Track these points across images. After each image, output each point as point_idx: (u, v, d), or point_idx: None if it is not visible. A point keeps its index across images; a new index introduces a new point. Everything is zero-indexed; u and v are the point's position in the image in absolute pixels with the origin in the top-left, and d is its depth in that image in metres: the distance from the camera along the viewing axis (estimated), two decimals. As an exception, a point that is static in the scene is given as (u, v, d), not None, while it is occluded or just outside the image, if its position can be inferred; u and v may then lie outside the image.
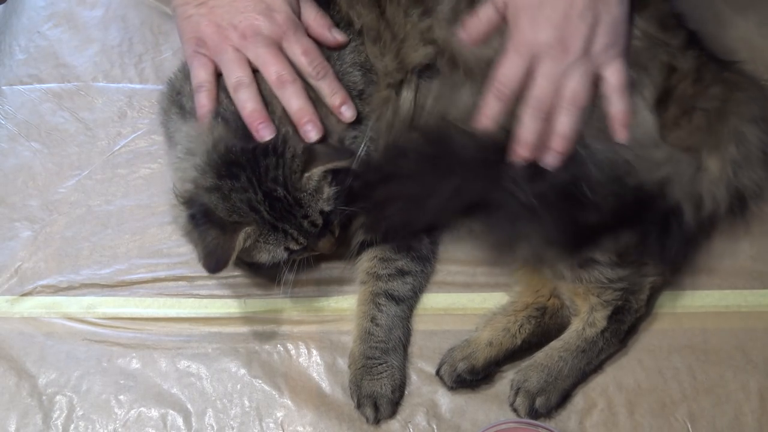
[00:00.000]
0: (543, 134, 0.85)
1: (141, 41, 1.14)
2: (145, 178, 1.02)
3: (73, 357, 0.90)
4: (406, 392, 0.87)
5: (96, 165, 1.04)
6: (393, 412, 0.86)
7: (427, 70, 0.90)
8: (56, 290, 0.95)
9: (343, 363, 0.89)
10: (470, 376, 0.85)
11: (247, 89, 0.85)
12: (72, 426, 0.86)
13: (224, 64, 0.86)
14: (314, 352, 0.90)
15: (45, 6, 1.19)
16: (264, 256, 0.85)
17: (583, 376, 0.86)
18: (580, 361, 0.85)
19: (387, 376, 0.86)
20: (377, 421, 0.85)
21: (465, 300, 0.93)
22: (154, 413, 0.87)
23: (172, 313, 0.93)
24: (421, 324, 0.91)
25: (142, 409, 0.87)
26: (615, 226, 0.83)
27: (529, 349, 0.87)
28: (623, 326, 0.86)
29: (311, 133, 0.84)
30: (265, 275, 0.93)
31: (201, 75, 0.87)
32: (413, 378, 0.88)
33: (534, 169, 0.84)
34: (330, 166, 0.82)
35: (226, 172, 0.82)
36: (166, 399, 0.87)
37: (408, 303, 0.91)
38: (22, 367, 0.89)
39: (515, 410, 0.85)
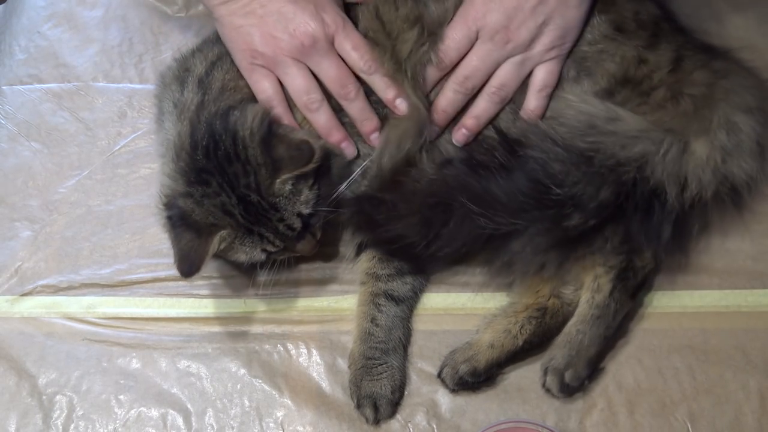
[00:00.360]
0: (459, 109, 0.89)
1: (141, 41, 1.14)
2: (145, 178, 1.02)
3: (73, 357, 0.90)
4: (406, 392, 0.87)
5: (96, 165, 1.04)
6: (393, 413, 0.86)
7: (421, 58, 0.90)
8: (56, 290, 0.95)
9: (343, 363, 0.89)
10: (472, 379, 0.85)
11: (322, 108, 0.87)
12: (72, 426, 0.86)
13: (287, 76, 0.87)
14: (314, 352, 0.90)
15: (45, 6, 1.19)
16: (241, 257, 0.85)
17: (606, 343, 0.86)
18: (597, 328, 0.85)
19: (387, 377, 0.86)
20: (377, 422, 0.85)
21: (465, 300, 0.93)
22: (154, 413, 0.87)
23: (172, 313, 0.93)
24: (421, 324, 0.91)
25: (142, 408, 0.87)
26: (601, 219, 0.83)
27: (531, 350, 0.87)
28: (630, 282, 0.86)
29: (375, 140, 0.89)
30: (266, 274, 0.93)
31: (266, 89, 0.87)
32: (413, 378, 0.88)
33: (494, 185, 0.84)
34: (297, 172, 0.82)
35: (196, 179, 0.82)
36: (166, 399, 0.87)
37: (408, 303, 0.91)
38: (22, 367, 0.89)
39: (548, 390, 0.85)
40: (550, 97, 0.89)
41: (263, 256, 0.85)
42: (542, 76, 0.88)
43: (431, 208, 0.84)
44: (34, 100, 1.10)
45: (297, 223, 0.84)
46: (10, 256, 0.97)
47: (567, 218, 0.82)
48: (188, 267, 0.81)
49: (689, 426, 0.84)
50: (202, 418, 0.86)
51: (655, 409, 0.85)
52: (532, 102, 0.88)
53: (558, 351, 0.86)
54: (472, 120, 0.89)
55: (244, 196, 0.81)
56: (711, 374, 0.87)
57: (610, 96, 0.88)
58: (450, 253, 0.85)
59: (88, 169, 1.04)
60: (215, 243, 0.82)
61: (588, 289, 0.87)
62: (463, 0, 0.88)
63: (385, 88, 0.87)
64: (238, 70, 0.89)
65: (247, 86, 0.89)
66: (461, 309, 0.92)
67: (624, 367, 0.87)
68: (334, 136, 0.88)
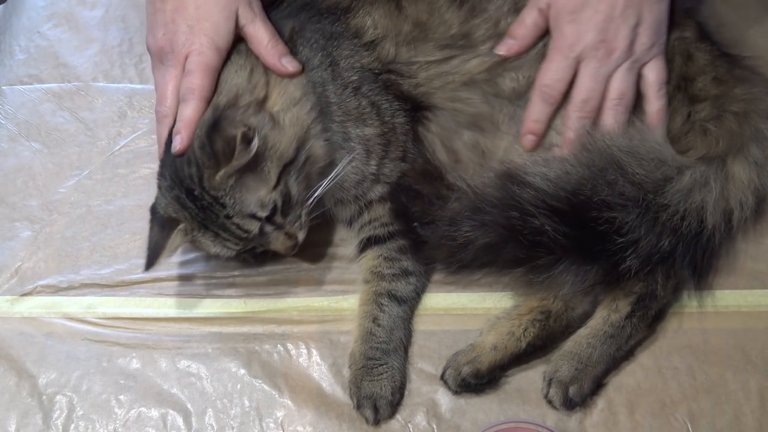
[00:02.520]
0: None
1: (141, 41, 1.14)
2: (145, 178, 1.02)
3: (73, 357, 0.90)
4: (406, 392, 0.87)
5: (96, 165, 1.04)
6: (392, 414, 0.85)
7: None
8: (56, 290, 0.95)
9: (343, 363, 0.89)
10: (475, 381, 0.85)
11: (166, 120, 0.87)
12: (72, 426, 0.86)
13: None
14: (314, 352, 0.90)
15: (45, 6, 1.19)
16: (211, 250, 0.86)
17: (614, 363, 0.86)
18: (609, 347, 0.85)
19: (387, 378, 0.85)
20: (377, 422, 0.85)
21: (465, 300, 0.93)
22: (154, 413, 0.87)
23: (172, 313, 0.93)
24: (421, 324, 0.91)
25: (142, 409, 0.87)
26: (655, 264, 0.84)
27: (534, 353, 0.87)
28: (649, 312, 0.86)
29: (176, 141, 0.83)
30: (266, 274, 0.93)
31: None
32: (413, 378, 0.88)
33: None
34: (234, 166, 0.80)
35: (161, 171, 0.85)
36: (166, 399, 0.87)
37: (410, 304, 0.91)
38: (22, 367, 0.89)
39: (550, 401, 0.85)
40: (666, 94, 0.89)
41: (231, 253, 0.86)
42: (654, 75, 0.88)
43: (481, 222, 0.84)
44: (34, 100, 1.10)
45: (250, 225, 0.83)
46: (10, 256, 0.97)
47: (623, 262, 0.82)
48: (149, 259, 0.84)
49: (689, 426, 0.84)
50: (202, 418, 0.86)
51: (655, 409, 0.85)
52: (655, 104, 0.88)
53: (564, 363, 0.85)
54: None
55: (190, 189, 0.82)
56: (711, 374, 0.87)
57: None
58: (480, 267, 0.86)
59: (88, 169, 1.04)
60: (175, 237, 0.83)
61: (605, 307, 0.87)
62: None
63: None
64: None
65: None
66: (461, 309, 0.92)
67: (624, 367, 0.87)
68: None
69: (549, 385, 0.85)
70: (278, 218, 0.84)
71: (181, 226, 0.83)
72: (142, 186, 1.01)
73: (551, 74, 0.87)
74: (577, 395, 0.84)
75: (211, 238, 0.84)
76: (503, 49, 0.89)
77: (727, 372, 0.87)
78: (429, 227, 0.87)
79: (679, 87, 0.91)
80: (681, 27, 0.93)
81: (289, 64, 0.87)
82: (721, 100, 0.90)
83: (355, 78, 0.90)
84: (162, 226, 0.84)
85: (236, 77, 0.87)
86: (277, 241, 0.86)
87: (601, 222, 0.82)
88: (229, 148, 0.79)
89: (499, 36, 0.90)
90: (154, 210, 0.86)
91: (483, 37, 0.91)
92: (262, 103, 0.86)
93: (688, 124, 0.90)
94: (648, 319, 0.86)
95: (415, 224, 0.88)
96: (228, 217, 0.82)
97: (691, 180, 0.85)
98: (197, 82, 0.84)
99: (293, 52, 0.89)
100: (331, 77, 0.90)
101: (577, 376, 0.84)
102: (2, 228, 0.99)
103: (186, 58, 0.85)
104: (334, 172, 0.88)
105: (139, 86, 1.11)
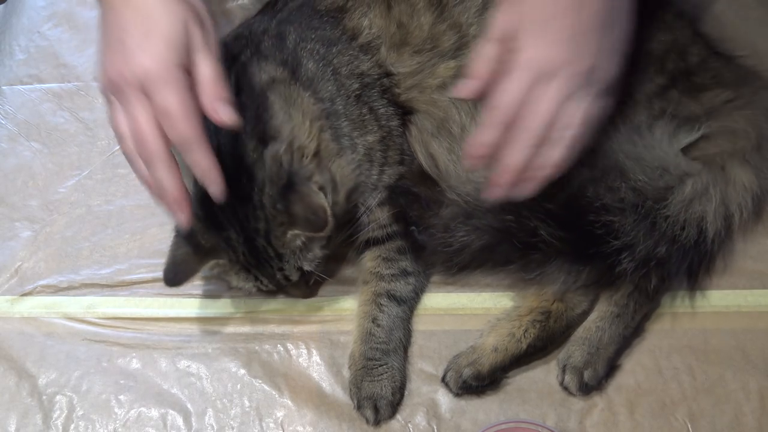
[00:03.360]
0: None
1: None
2: (145, 178, 1.02)
3: (73, 357, 0.90)
4: (406, 392, 0.87)
5: (96, 165, 1.04)
6: (393, 414, 0.85)
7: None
8: (56, 290, 0.95)
9: (343, 363, 0.89)
10: (476, 382, 0.85)
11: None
12: (72, 426, 0.86)
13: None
14: (314, 352, 0.90)
15: (45, 6, 1.19)
16: (233, 283, 0.86)
17: (624, 342, 0.87)
18: (617, 326, 0.86)
19: (387, 378, 0.85)
20: (377, 423, 0.85)
21: (465, 300, 0.93)
22: (154, 413, 0.87)
23: (172, 313, 0.93)
24: (421, 324, 0.91)
25: (142, 409, 0.87)
26: (648, 269, 0.84)
27: (535, 354, 0.87)
28: (649, 284, 0.86)
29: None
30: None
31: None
32: (413, 378, 0.88)
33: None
34: (310, 235, 0.80)
35: (207, 206, 0.80)
36: (166, 399, 0.87)
37: (409, 304, 0.91)
38: (22, 367, 0.89)
39: (566, 388, 0.85)
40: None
41: (254, 291, 0.86)
42: (568, 110, 0.79)
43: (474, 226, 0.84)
44: (34, 100, 1.10)
45: (295, 276, 0.84)
46: (10, 256, 0.97)
47: (618, 264, 0.83)
48: (174, 277, 0.81)
49: (689, 426, 0.84)
50: (202, 418, 0.86)
51: (655, 409, 0.85)
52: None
53: (576, 348, 0.86)
54: (547, 169, 0.80)
55: (251, 239, 0.81)
56: (711, 374, 0.87)
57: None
58: (476, 267, 0.86)
59: (88, 169, 1.04)
60: (208, 266, 0.83)
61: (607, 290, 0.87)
62: None
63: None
64: None
65: None
66: (461, 309, 0.92)
67: (624, 367, 0.87)
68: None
69: (563, 371, 0.86)
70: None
71: (220, 261, 0.82)
72: (142, 186, 1.01)
73: (508, 94, 0.76)
74: (593, 379, 0.85)
75: (246, 278, 0.84)
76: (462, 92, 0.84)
77: (727, 372, 0.87)
78: (426, 232, 0.87)
79: (674, 82, 0.90)
80: (672, 29, 0.92)
81: (223, 113, 0.74)
82: (719, 98, 0.89)
83: (356, 86, 0.89)
84: (196, 250, 0.81)
85: (285, 117, 0.82)
86: (298, 287, 0.88)
87: (599, 225, 0.82)
88: (312, 214, 0.78)
89: (462, 39, 0.88)
90: (188, 231, 0.81)
91: (449, 41, 0.89)
92: (316, 155, 0.82)
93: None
94: (648, 291, 0.87)
95: (413, 228, 0.88)
96: (280, 269, 0.83)
97: (693, 190, 0.86)
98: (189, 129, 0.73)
99: (297, 64, 0.87)
100: (336, 89, 0.89)
101: (591, 360, 0.85)
102: (2, 228, 0.99)
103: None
104: (358, 225, 0.89)
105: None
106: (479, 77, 0.78)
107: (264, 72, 0.86)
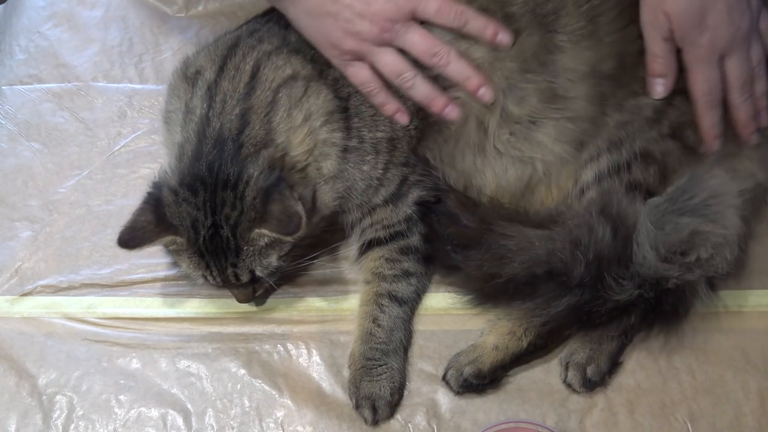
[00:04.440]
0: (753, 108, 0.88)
1: (141, 41, 1.14)
2: (145, 178, 1.02)
3: (73, 357, 0.90)
4: (406, 392, 0.87)
5: (96, 165, 1.04)
6: (391, 414, 0.85)
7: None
8: (56, 290, 0.95)
9: (342, 363, 0.89)
10: (477, 381, 0.85)
11: (417, 79, 0.86)
12: (72, 426, 0.86)
13: (378, 63, 0.86)
14: (314, 352, 0.90)
15: (45, 6, 1.19)
16: (182, 266, 0.86)
17: (627, 338, 0.87)
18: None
19: (386, 378, 0.85)
20: (375, 423, 0.85)
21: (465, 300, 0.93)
22: (154, 413, 0.87)
23: (172, 313, 0.93)
24: (421, 324, 0.91)
25: (142, 409, 0.87)
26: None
27: (535, 352, 0.87)
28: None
29: (486, 94, 0.85)
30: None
31: (364, 80, 0.87)
32: (413, 378, 0.88)
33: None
34: (276, 236, 0.81)
35: (188, 183, 0.82)
36: (166, 399, 0.87)
37: (410, 305, 0.91)
38: (22, 367, 0.89)
39: (569, 385, 0.85)
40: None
41: (200, 281, 0.86)
42: (756, 50, 0.88)
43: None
44: (34, 100, 1.10)
45: (245, 277, 0.84)
46: (10, 256, 0.97)
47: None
48: (128, 240, 0.82)
49: (689, 426, 0.84)
50: (202, 418, 0.86)
51: (655, 409, 0.85)
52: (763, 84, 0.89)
53: (579, 345, 0.86)
54: (765, 99, 0.89)
55: (218, 225, 0.81)
56: (711, 374, 0.87)
57: None
58: (509, 299, 0.86)
59: (88, 169, 1.04)
60: (165, 240, 0.83)
61: None
62: None
63: (466, 78, 0.85)
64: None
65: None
66: (462, 309, 0.92)
67: (624, 367, 0.87)
68: (436, 103, 0.87)
69: (566, 369, 0.86)
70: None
71: (178, 239, 0.83)
72: (142, 186, 1.00)
73: (706, 84, 0.86)
74: (596, 375, 0.85)
75: (197, 265, 0.84)
76: (660, 92, 0.87)
77: (727, 372, 0.87)
78: (463, 251, 0.87)
79: None
80: None
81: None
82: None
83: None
84: (158, 222, 0.82)
85: (285, 124, 0.84)
86: (242, 289, 0.88)
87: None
88: (286, 217, 0.79)
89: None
90: (156, 200, 0.83)
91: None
92: (303, 170, 0.85)
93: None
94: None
95: (449, 247, 0.88)
96: (233, 264, 0.83)
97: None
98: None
99: (328, 65, 0.88)
100: (354, 89, 0.89)
101: (593, 356, 0.85)
102: (2, 228, 0.99)
103: (412, 12, 0.84)
104: (317, 255, 0.90)
105: (139, 86, 1.11)
106: (666, 75, 0.86)
107: (289, 66, 0.87)
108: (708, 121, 0.87)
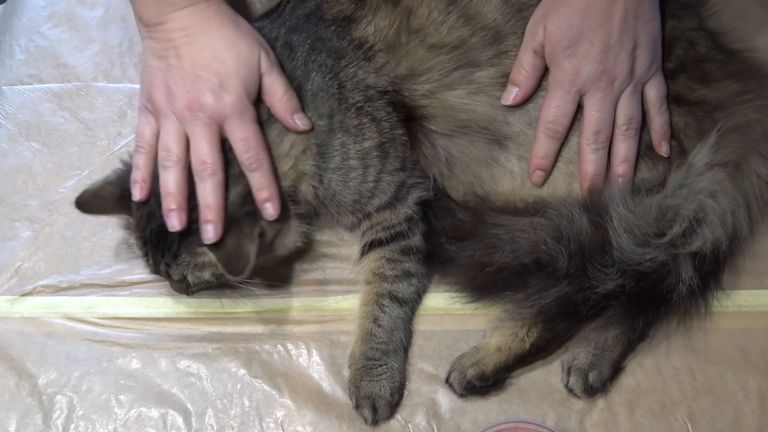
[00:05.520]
0: (604, 163, 0.87)
1: (141, 41, 1.14)
2: (145, 178, 1.02)
3: (73, 357, 0.90)
4: (406, 392, 0.87)
5: (96, 165, 1.04)
6: (391, 414, 0.85)
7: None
8: (56, 290, 0.95)
9: (343, 363, 0.89)
10: (480, 383, 0.85)
11: (173, 168, 0.82)
12: (72, 426, 0.86)
13: (162, 129, 0.84)
14: (314, 352, 0.90)
15: (45, 6, 1.19)
16: (133, 246, 0.88)
17: (629, 344, 0.86)
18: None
19: (386, 378, 0.85)
20: (375, 423, 0.85)
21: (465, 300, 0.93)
22: (154, 413, 0.87)
23: (172, 313, 0.93)
24: (421, 324, 0.91)
25: (142, 408, 0.87)
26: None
27: (538, 353, 0.87)
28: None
29: (209, 232, 0.80)
30: (264, 276, 0.93)
31: (145, 135, 0.85)
32: (413, 378, 0.88)
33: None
34: (219, 267, 0.81)
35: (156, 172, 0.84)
36: (166, 399, 0.87)
37: (411, 305, 0.91)
38: (22, 367, 0.89)
39: (570, 390, 0.85)
40: (668, 107, 0.89)
41: (143, 260, 0.88)
42: (654, 92, 0.87)
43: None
44: (34, 100, 1.10)
45: (176, 277, 0.86)
46: (10, 256, 0.97)
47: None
48: (85, 203, 0.86)
49: (689, 426, 0.84)
50: (202, 418, 0.86)
51: (655, 409, 0.85)
52: (657, 119, 0.88)
53: (581, 350, 0.86)
54: (623, 165, 0.87)
55: (163, 226, 0.82)
56: (711, 374, 0.87)
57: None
58: (500, 290, 0.86)
59: (88, 169, 1.04)
60: (120, 216, 0.88)
61: None
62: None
63: (259, 189, 0.83)
64: None
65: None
66: (461, 309, 0.92)
67: (624, 366, 0.87)
68: (167, 201, 0.82)
69: (568, 373, 0.86)
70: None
71: (129, 219, 0.86)
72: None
73: (554, 110, 0.86)
74: (597, 381, 0.85)
75: (139, 247, 0.86)
76: (509, 99, 0.87)
77: (727, 372, 0.87)
78: (457, 243, 0.87)
79: (684, 68, 0.91)
80: (679, 17, 0.93)
81: (300, 122, 0.86)
82: (728, 89, 0.90)
83: (359, 98, 0.89)
84: (120, 197, 0.85)
85: (278, 141, 0.86)
86: (180, 284, 0.89)
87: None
88: (236, 256, 0.80)
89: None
90: (122, 178, 0.86)
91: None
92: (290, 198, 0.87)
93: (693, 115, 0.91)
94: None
95: (443, 239, 0.89)
96: (167, 264, 0.84)
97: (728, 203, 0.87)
98: (263, 155, 0.83)
99: (305, 78, 0.88)
100: (337, 104, 0.88)
101: (595, 362, 0.85)
102: (2, 228, 0.99)
103: (222, 118, 0.82)
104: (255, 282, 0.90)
105: (138, 86, 1.10)
106: (521, 85, 0.87)
107: None
108: (539, 148, 0.87)
